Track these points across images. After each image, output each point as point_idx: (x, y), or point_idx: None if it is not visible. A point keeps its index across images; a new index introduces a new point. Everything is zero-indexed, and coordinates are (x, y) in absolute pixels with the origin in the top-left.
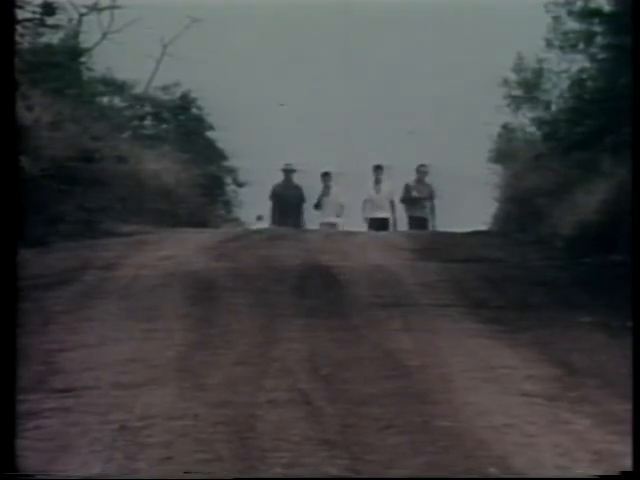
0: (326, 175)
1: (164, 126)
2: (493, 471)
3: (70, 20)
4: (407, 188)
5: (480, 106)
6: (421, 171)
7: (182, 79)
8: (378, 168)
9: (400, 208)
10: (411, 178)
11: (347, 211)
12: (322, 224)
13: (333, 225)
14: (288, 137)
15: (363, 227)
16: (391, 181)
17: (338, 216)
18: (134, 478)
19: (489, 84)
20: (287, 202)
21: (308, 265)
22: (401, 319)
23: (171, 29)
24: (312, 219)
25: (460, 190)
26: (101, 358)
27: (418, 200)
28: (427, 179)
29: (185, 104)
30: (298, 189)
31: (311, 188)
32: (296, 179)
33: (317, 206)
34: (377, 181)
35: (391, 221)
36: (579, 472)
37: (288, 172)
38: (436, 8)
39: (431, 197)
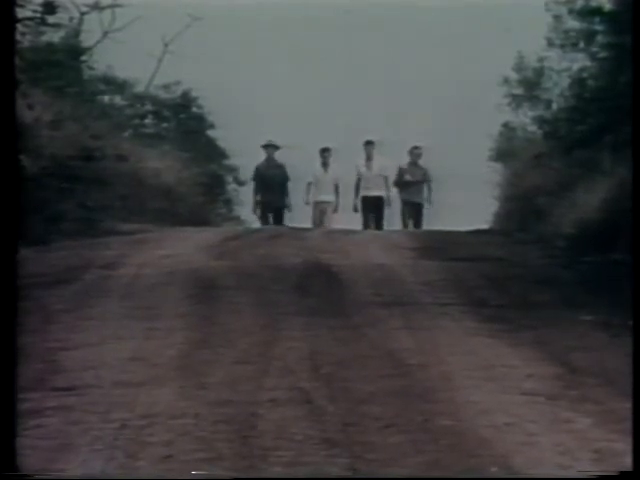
0: (325, 151)
1: (165, 125)
2: (494, 470)
3: (71, 19)
4: (400, 171)
5: (481, 105)
6: (415, 153)
7: (183, 78)
8: (369, 143)
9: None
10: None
11: (343, 189)
12: (317, 202)
13: (328, 203)
14: (288, 136)
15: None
16: (383, 157)
17: (333, 193)
18: (134, 478)
19: (490, 83)
20: (270, 182)
21: (309, 264)
22: (402, 318)
23: (172, 27)
24: (298, 200)
25: (461, 189)
26: (102, 357)
27: (412, 184)
28: (421, 161)
29: (186, 103)
30: (281, 167)
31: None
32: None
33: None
34: (368, 157)
35: (385, 199)
36: (580, 471)
37: (269, 148)
38: (437, 7)
39: (425, 180)
